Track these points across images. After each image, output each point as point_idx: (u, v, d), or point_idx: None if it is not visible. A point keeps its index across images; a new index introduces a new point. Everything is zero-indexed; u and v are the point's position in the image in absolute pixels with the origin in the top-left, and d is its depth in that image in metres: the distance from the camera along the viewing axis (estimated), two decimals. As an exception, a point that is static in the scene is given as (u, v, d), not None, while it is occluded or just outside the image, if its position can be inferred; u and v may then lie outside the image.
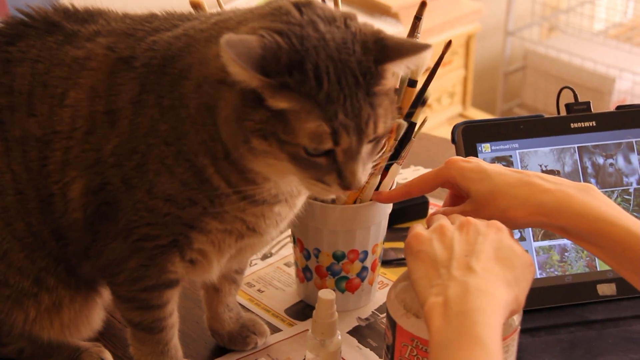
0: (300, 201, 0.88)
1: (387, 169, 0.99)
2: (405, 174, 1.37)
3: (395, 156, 0.98)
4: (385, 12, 2.54)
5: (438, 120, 2.88)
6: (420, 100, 0.97)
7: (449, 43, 0.97)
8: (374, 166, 0.94)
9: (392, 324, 0.81)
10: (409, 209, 1.24)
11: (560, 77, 2.98)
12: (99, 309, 0.97)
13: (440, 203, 1.28)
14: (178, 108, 0.78)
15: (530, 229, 1.03)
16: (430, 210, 1.27)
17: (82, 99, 0.82)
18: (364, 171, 0.75)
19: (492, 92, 3.28)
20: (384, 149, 0.93)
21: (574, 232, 0.78)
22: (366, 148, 0.75)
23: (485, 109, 3.15)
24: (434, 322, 0.69)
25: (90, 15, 0.87)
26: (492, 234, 0.76)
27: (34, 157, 0.84)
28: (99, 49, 0.83)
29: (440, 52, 0.98)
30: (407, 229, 1.22)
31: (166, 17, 0.85)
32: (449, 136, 1.08)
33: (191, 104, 0.77)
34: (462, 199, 0.85)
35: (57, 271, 0.89)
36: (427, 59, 0.97)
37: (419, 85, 0.98)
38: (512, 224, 0.79)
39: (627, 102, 2.91)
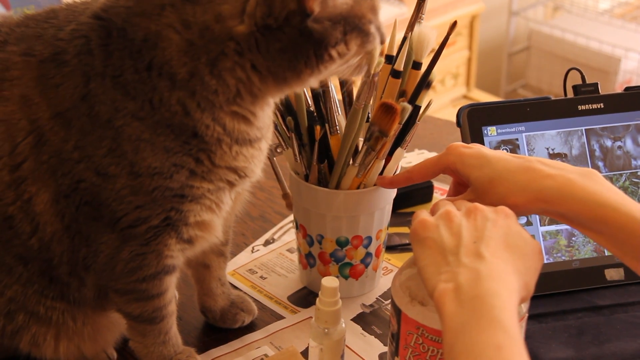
0: (270, 133, 0.88)
1: (391, 153, 0.97)
2: (409, 158, 1.35)
3: (399, 140, 0.96)
4: (388, -8, 2.51)
5: (442, 102, 2.86)
6: (424, 83, 0.96)
7: (454, 24, 0.95)
8: (378, 151, 0.93)
9: (397, 312, 0.80)
10: (413, 193, 1.23)
11: (565, 58, 2.95)
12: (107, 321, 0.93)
13: (445, 187, 1.27)
14: (153, 79, 0.75)
15: (537, 213, 1.01)
16: (435, 194, 1.26)
17: (13, 110, 0.78)
18: None
19: (496, 73, 3.25)
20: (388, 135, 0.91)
21: (575, 219, 0.76)
22: None
23: (489, 90, 3.13)
24: (447, 307, 0.68)
25: None
26: (501, 220, 0.75)
27: None
28: (15, 56, 0.79)
29: (444, 34, 0.96)
30: (412, 213, 1.21)
31: (67, 7, 0.82)
32: (453, 118, 1.06)
33: (180, 69, 0.75)
34: (465, 186, 0.83)
35: (25, 302, 0.85)
36: (432, 40, 0.96)
37: (424, 68, 0.96)
38: (513, 211, 0.77)
39: (633, 82, 2.89)
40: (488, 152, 0.81)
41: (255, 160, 0.85)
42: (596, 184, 0.76)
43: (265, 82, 0.78)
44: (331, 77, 0.84)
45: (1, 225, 0.81)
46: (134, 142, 0.77)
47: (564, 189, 0.76)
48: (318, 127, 0.94)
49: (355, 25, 0.77)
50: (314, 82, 0.80)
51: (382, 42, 0.82)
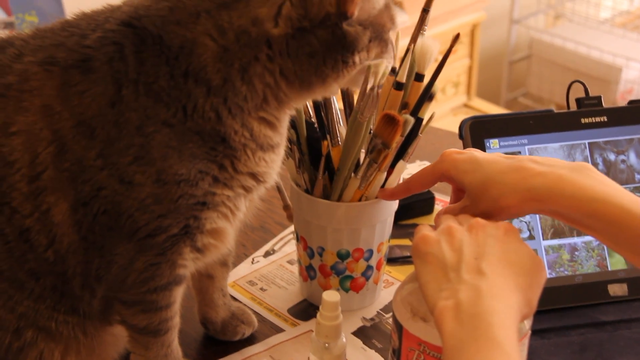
0: (285, 138, 0.88)
1: (393, 165, 0.96)
2: (410, 169, 1.34)
3: (401, 153, 0.95)
4: (389, 0, 2.51)
5: (442, 111, 2.86)
6: (427, 95, 0.95)
7: (457, 37, 0.94)
8: (380, 163, 0.92)
9: (399, 327, 0.79)
10: (414, 205, 1.22)
11: (566, 66, 2.95)
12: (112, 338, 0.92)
13: (447, 198, 1.26)
14: (189, 85, 0.76)
15: (539, 227, 1.00)
16: (436, 206, 1.25)
17: (34, 120, 0.77)
18: None
19: (497, 81, 3.25)
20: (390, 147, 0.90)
21: (569, 216, 0.75)
22: None
23: (489, 98, 3.13)
24: (446, 325, 0.67)
25: (5, 42, 0.82)
26: (502, 236, 0.74)
27: None
28: (33, 67, 0.78)
29: (445, 43, 0.96)
30: (413, 225, 1.22)
31: (83, 17, 0.82)
32: (453, 127, 1.06)
33: (214, 76, 0.76)
34: (464, 192, 0.83)
35: (37, 317, 0.83)
36: (435, 52, 0.95)
37: (426, 79, 0.96)
38: (507, 213, 0.76)
39: (635, 92, 2.89)
40: (480, 156, 0.80)
41: (274, 165, 0.85)
42: (587, 178, 0.74)
43: (291, 88, 0.79)
44: (347, 83, 0.85)
45: (16, 239, 0.79)
46: (163, 149, 0.76)
47: (554, 185, 0.74)
48: (325, 142, 0.93)
49: (378, 34, 0.80)
50: (336, 88, 0.81)
51: (394, 57, 0.84)
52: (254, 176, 0.83)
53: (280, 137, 0.84)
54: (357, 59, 0.79)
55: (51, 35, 0.80)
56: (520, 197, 0.75)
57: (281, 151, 0.86)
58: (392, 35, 0.84)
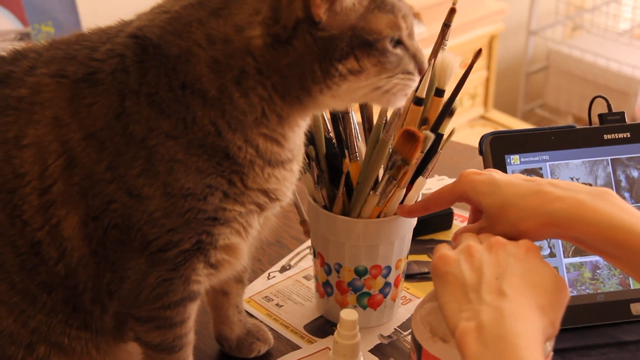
0: (301, 155, 0.86)
1: (412, 181, 0.95)
2: (429, 184, 1.32)
3: (421, 169, 0.94)
4: (406, 11, 2.50)
5: (459, 123, 2.84)
6: (447, 111, 0.94)
7: (479, 52, 0.93)
8: (399, 180, 0.91)
9: (418, 347, 0.78)
10: (433, 220, 1.21)
11: (583, 78, 2.92)
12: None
13: (465, 213, 1.24)
14: (187, 97, 0.75)
15: (560, 244, 0.99)
16: (455, 221, 1.24)
17: (44, 132, 0.77)
18: None
19: (514, 93, 3.23)
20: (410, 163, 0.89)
21: (589, 242, 0.73)
22: None
23: (506, 109, 3.11)
24: (469, 347, 0.66)
25: (19, 54, 0.82)
26: (523, 255, 0.73)
27: None
28: (46, 78, 0.78)
29: (465, 54, 0.95)
30: (431, 240, 1.20)
31: (97, 32, 0.82)
32: (470, 139, 1.04)
33: (210, 87, 0.75)
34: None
35: (49, 332, 0.82)
36: (455, 67, 0.94)
37: (446, 95, 0.94)
38: (526, 238, 0.75)
39: (653, 105, 2.86)
40: (499, 178, 0.79)
41: (287, 183, 0.84)
42: (609, 205, 0.73)
43: (285, 102, 0.77)
44: (356, 100, 0.82)
45: (28, 251, 0.79)
46: (167, 162, 0.75)
47: (574, 211, 0.73)
48: (346, 160, 0.92)
49: (364, 40, 0.75)
50: (329, 101, 0.78)
51: (420, 71, 0.80)
52: (266, 193, 0.81)
53: (291, 153, 0.82)
54: (341, 68, 0.75)
55: (65, 48, 0.80)
56: (539, 222, 0.74)
57: (293, 168, 0.84)
58: (416, 46, 0.79)
